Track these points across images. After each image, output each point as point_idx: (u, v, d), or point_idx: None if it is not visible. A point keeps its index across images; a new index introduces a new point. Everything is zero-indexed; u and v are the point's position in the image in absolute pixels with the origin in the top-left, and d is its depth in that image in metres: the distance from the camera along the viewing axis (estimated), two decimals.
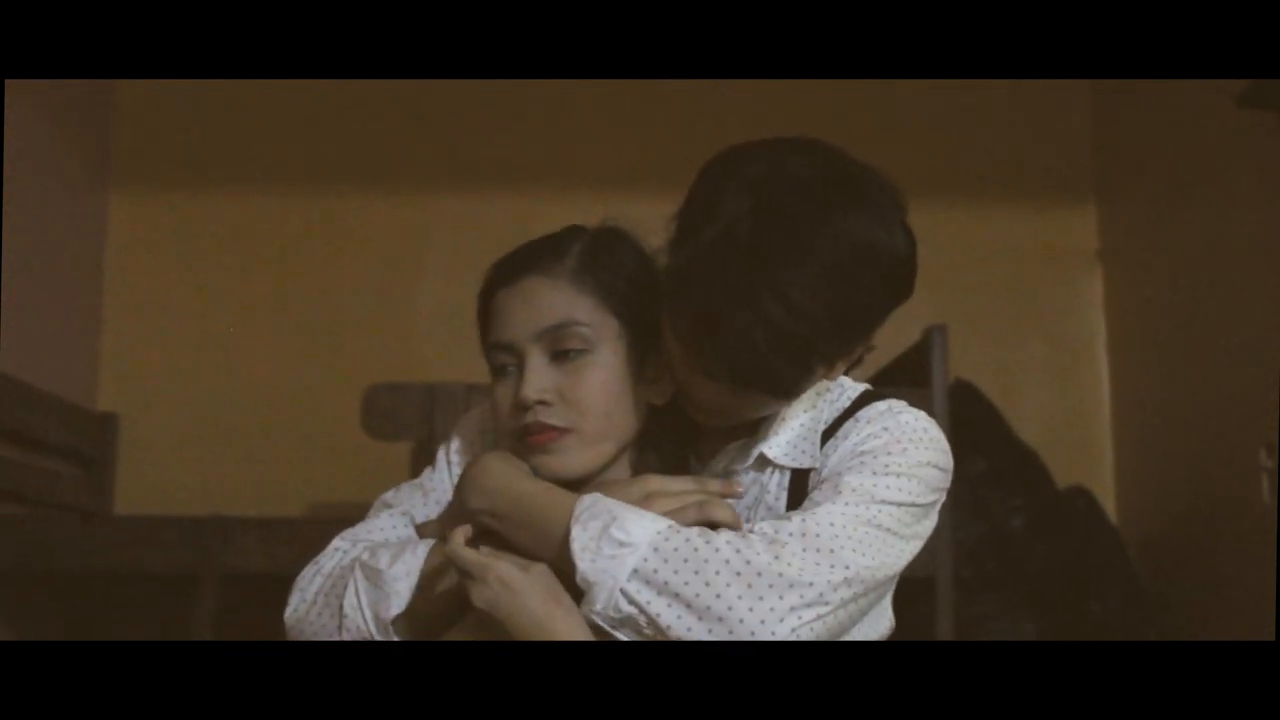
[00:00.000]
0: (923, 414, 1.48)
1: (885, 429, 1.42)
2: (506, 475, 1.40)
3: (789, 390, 1.37)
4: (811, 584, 1.26)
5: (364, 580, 1.40)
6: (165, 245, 3.71)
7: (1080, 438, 3.65)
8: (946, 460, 1.45)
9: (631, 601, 1.25)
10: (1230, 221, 3.03)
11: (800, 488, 1.44)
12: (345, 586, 1.41)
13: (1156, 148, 3.47)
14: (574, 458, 1.40)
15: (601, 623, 1.27)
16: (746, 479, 1.48)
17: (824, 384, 1.48)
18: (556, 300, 1.41)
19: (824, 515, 1.32)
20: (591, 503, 1.32)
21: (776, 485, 1.46)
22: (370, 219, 3.72)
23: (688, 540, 1.27)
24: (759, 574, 1.25)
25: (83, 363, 3.59)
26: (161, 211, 3.72)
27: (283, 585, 2.94)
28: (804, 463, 1.45)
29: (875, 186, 1.35)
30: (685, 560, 1.26)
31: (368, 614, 1.38)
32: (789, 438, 1.47)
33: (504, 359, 1.43)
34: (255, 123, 3.70)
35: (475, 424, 1.61)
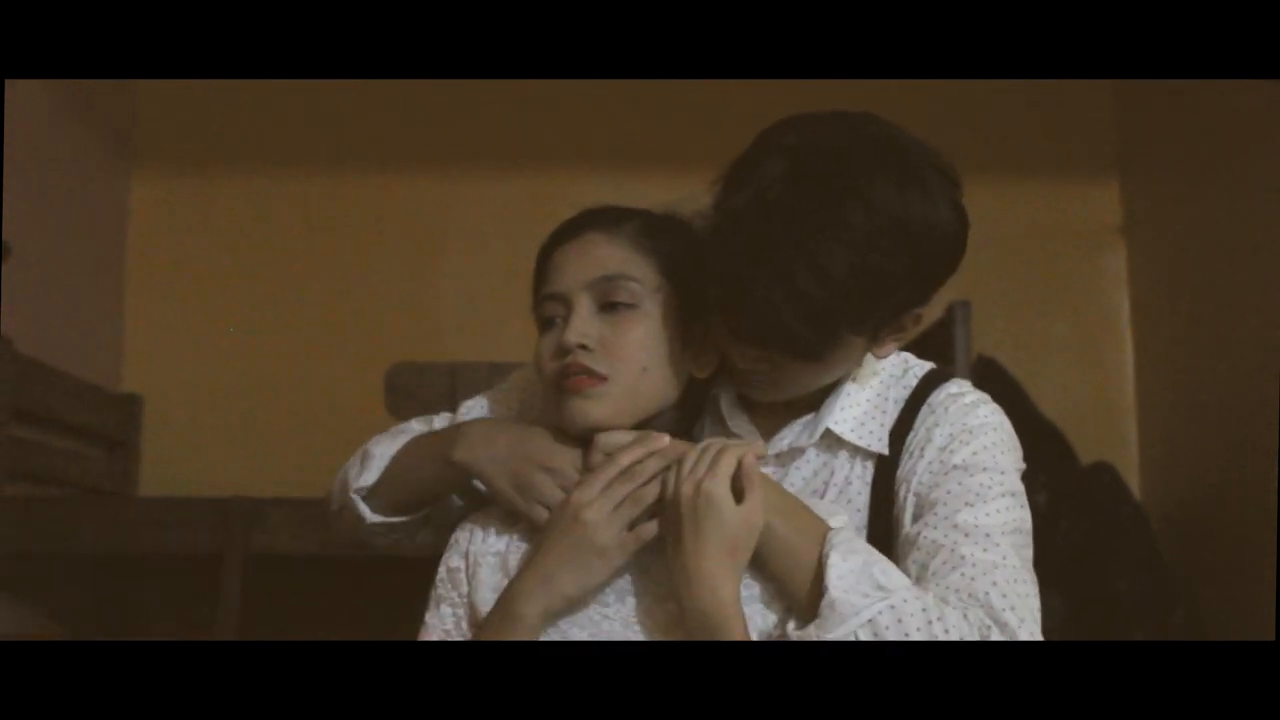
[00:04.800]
0: (990, 400, 1.49)
1: (968, 431, 1.43)
2: (772, 483, 1.41)
3: (812, 352, 1.36)
4: None
5: (361, 454, 1.58)
6: (187, 227, 3.72)
7: (1104, 414, 3.64)
8: (1020, 455, 1.47)
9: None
10: (1254, 196, 3.01)
11: (884, 485, 1.45)
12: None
13: (1179, 122, 3.45)
14: (608, 406, 1.41)
15: (805, 642, 1.30)
16: (814, 459, 1.49)
17: (886, 360, 1.50)
18: (613, 254, 1.44)
19: (1012, 584, 1.33)
20: (848, 538, 1.34)
21: (859, 478, 1.46)
22: (392, 200, 3.72)
23: (924, 610, 1.29)
24: None
25: (106, 345, 3.60)
26: (184, 193, 3.73)
27: (307, 565, 2.94)
28: (872, 444, 1.45)
29: (920, 160, 1.36)
30: (919, 629, 1.28)
31: (348, 482, 1.57)
32: (855, 414, 1.47)
33: (553, 309, 1.45)
34: (276, 105, 3.70)
35: (515, 393, 1.67)
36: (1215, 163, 3.22)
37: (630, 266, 1.43)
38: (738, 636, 1.30)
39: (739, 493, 1.33)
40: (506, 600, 1.39)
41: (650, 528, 1.37)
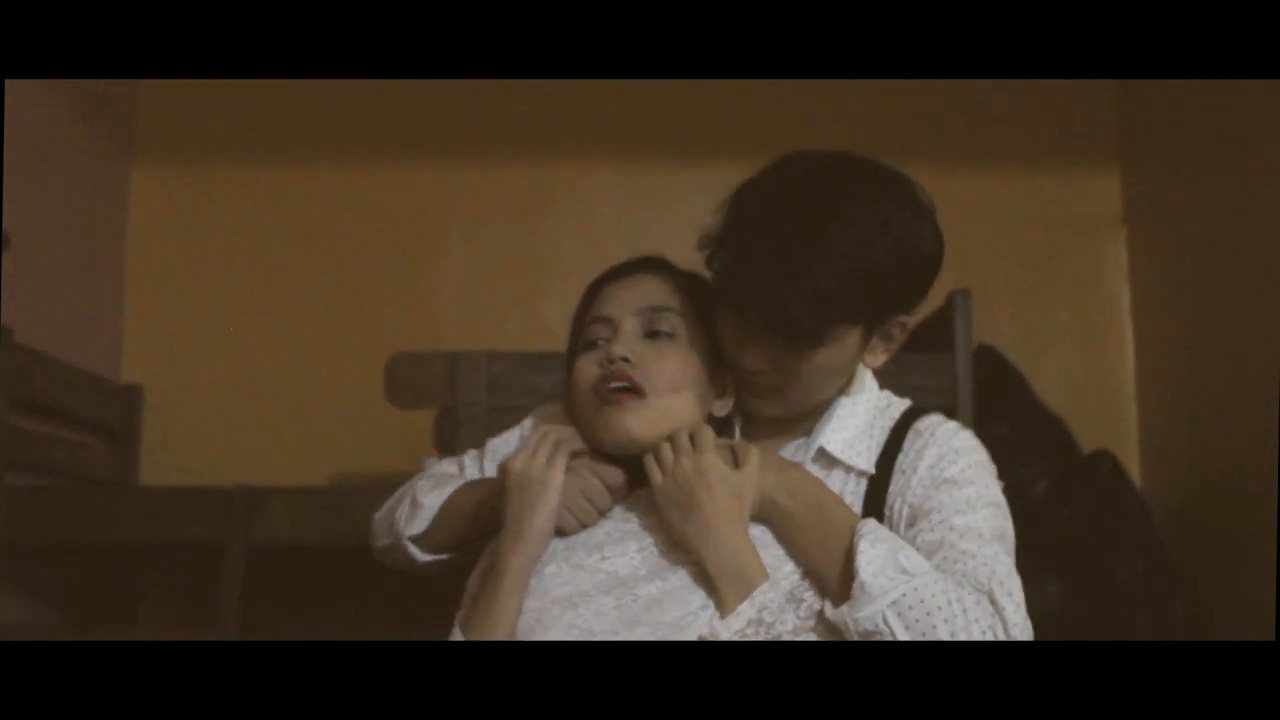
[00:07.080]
0: (967, 428, 1.68)
1: (955, 451, 1.61)
2: (813, 478, 1.59)
3: (813, 335, 1.52)
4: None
5: (409, 502, 1.73)
6: (187, 218, 3.71)
7: (1104, 402, 3.64)
8: (996, 474, 1.65)
9: (886, 623, 1.42)
10: (1256, 186, 3.01)
11: (875, 501, 1.60)
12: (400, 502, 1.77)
13: (1181, 113, 3.45)
14: (643, 420, 1.57)
15: (839, 622, 1.45)
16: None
17: (871, 392, 1.69)
18: (662, 290, 1.64)
19: (1008, 576, 1.50)
20: (875, 527, 1.50)
21: (852, 494, 1.62)
22: (391, 190, 3.72)
23: (944, 592, 1.43)
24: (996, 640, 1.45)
25: (107, 336, 3.60)
26: (183, 185, 3.73)
27: (309, 554, 2.93)
28: (859, 463, 1.63)
29: (908, 184, 1.55)
30: (940, 608, 1.42)
31: (399, 529, 1.72)
32: (846, 436, 1.65)
33: (599, 332, 1.63)
34: (275, 98, 3.70)
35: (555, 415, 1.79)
36: (1216, 153, 3.22)
37: (675, 302, 1.63)
38: (758, 568, 1.47)
39: (737, 463, 1.54)
40: (491, 562, 1.54)
41: (567, 435, 1.58)
